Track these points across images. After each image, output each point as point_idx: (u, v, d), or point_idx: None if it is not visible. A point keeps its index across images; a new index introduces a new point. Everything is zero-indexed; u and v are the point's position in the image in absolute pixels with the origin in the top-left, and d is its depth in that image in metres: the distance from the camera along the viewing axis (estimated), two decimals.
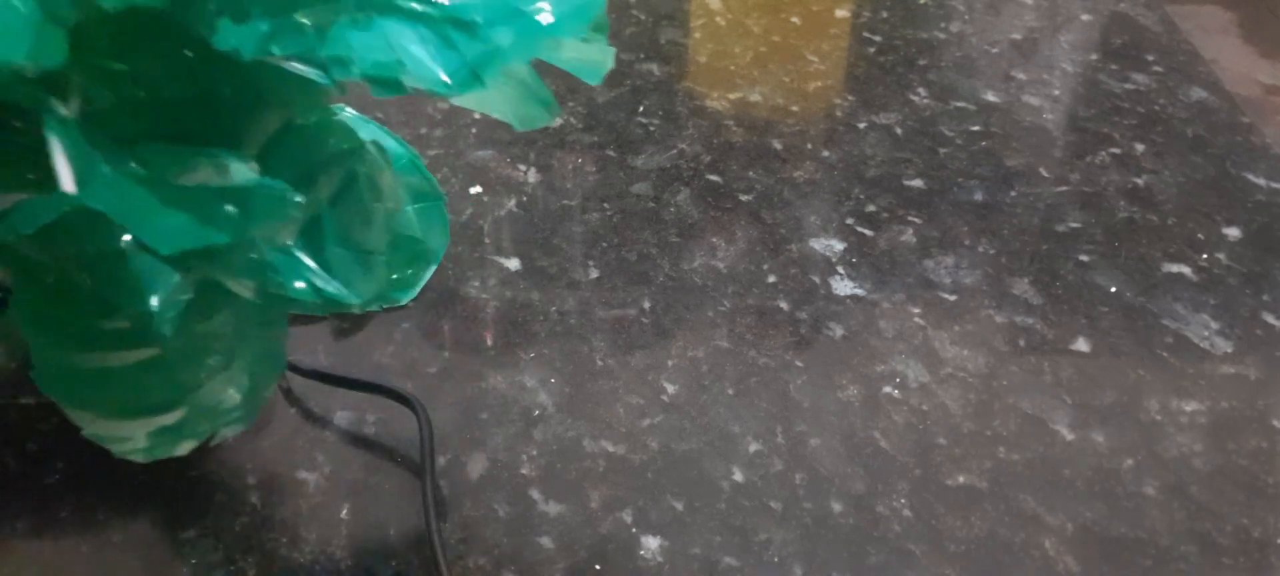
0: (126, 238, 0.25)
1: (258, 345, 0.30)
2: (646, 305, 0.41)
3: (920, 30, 0.62)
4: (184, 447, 0.30)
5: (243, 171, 0.26)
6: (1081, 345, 0.40)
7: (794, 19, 0.63)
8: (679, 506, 0.34)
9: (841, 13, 0.64)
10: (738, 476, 0.35)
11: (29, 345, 0.28)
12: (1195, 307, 0.42)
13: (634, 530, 0.33)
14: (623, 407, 0.37)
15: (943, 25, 0.62)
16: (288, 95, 0.28)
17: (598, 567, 0.32)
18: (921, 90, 0.56)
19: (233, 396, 0.29)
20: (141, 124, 0.26)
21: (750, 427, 0.36)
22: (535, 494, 0.34)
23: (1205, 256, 0.44)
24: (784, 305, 0.41)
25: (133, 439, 0.29)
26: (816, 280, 0.43)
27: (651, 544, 0.32)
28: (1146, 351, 0.40)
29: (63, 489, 0.34)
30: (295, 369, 0.37)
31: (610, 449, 0.35)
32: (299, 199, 0.26)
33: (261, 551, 0.32)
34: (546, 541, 0.32)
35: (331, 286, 0.28)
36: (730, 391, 0.38)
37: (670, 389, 0.38)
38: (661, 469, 0.35)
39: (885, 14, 0.63)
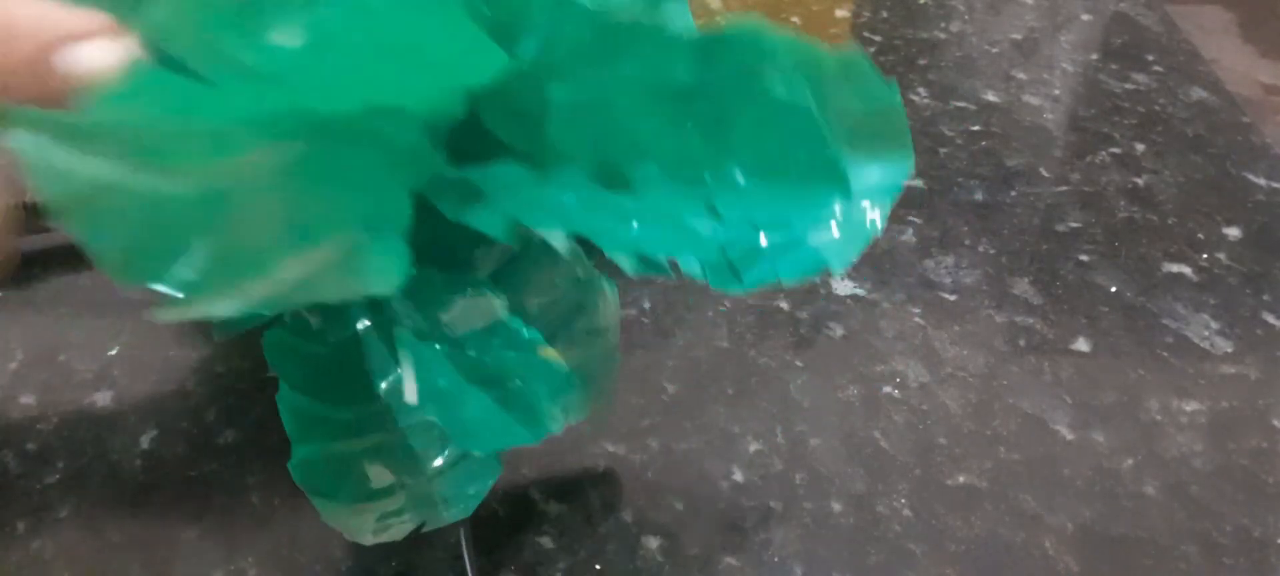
0: (364, 323, 0.25)
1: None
2: (646, 305, 0.41)
3: (920, 30, 0.62)
4: (403, 530, 0.29)
5: (500, 308, 0.26)
6: (1081, 345, 0.40)
7: (794, 19, 0.63)
8: (679, 506, 0.34)
9: (841, 13, 0.64)
10: (738, 476, 0.35)
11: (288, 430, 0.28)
12: (1195, 307, 0.42)
13: (634, 530, 0.33)
14: (623, 407, 0.37)
15: (943, 25, 0.62)
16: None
17: (598, 567, 0.32)
18: (921, 90, 0.56)
19: (446, 491, 0.29)
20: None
21: (750, 427, 0.36)
22: (535, 494, 0.34)
23: (1205, 256, 0.44)
24: (784, 305, 0.41)
25: (362, 526, 0.29)
26: (816, 280, 0.43)
27: (651, 543, 0.32)
28: (1146, 351, 0.40)
29: (63, 489, 0.34)
30: None
31: (610, 448, 0.35)
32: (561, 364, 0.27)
33: (261, 551, 0.32)
34: (546, 541, 0.32)
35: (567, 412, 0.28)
36: (730, 391, 0.38)
37: (670, 389, 0.38)
38: (661, 468, 0.35)
39: (885, 14, 0.63)
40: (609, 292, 0.30)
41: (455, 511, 0.30)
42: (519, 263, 0.28)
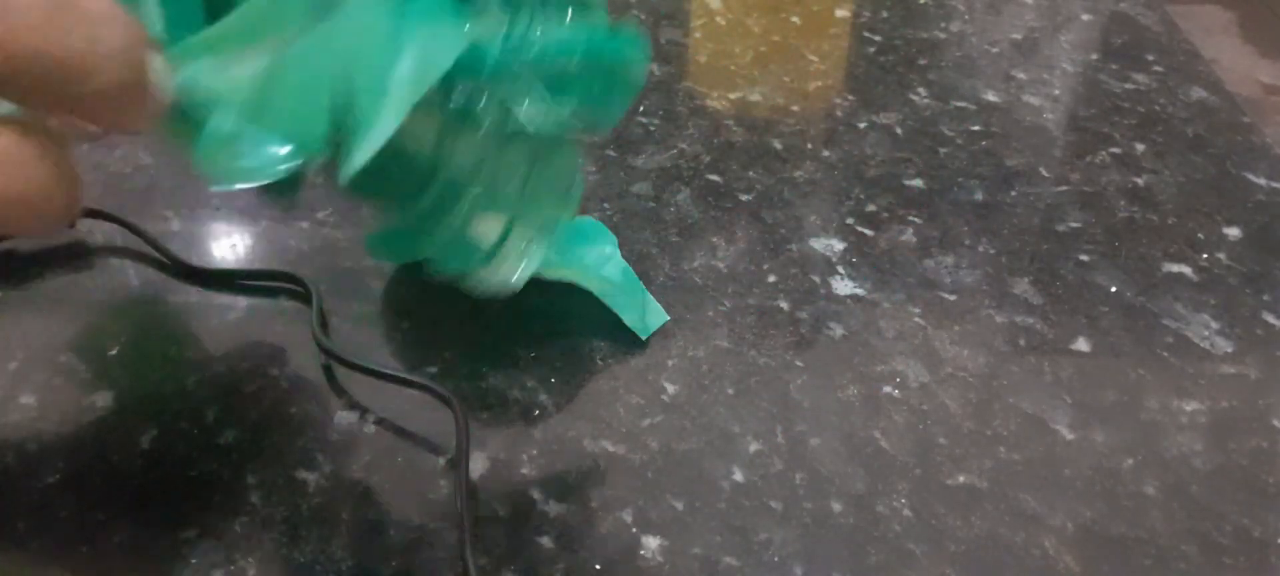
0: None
1: (541, 166, 0.34)
2: None
3: (920, 30, 0.62)
4: (541, 252, 0.35)
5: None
6: (1081, 345, 0.40)
7: (794, 19, 0.63)
8: (679, 506, 0.34)
9: (841, 13, 0.64)
10: (738, 476, 0.35)
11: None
12: (1195, 307, 0.42)
13: (634, 530, 0.33)
14: (623, 407, 0.37)
15: (943, 25, 0.62)
16: None
17: (598, 567, 0.32)
18: (921, 90, 0.56)
19: (548, 199, 0.34)
20: None
21: (750, 427, 0.36)
22: (535, 494, 0.34)
23: (1205, 256, 0.44)
24: (784, 305, 0.41)
25: (509, 273, 0.34)
26: (816, 280, 0.43)
27: (651, 543, 0.32)
28: (1146, 351, 0.40)
29: (63, 489, 0.34)
30: (335, 358, 0.37)
31: (610, 448, 0.35)
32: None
33: (261, 551, 0.32)
34: (546, 541, 0.32)
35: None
36: (730, 391, 0.38)
37: (670, 389, 0.38)
38: (661, 468, 0.35)
39: (885, 14, 0.63)
40: None
41: (568, 208, 0.35)
42: None
